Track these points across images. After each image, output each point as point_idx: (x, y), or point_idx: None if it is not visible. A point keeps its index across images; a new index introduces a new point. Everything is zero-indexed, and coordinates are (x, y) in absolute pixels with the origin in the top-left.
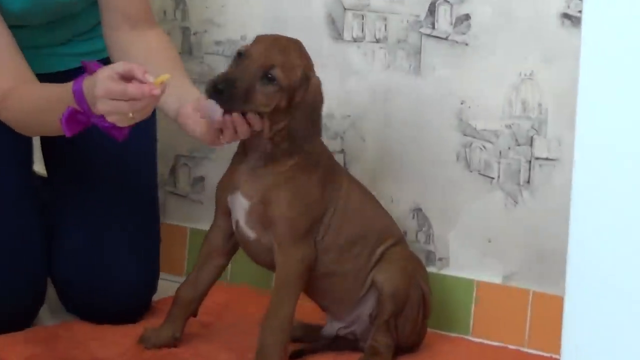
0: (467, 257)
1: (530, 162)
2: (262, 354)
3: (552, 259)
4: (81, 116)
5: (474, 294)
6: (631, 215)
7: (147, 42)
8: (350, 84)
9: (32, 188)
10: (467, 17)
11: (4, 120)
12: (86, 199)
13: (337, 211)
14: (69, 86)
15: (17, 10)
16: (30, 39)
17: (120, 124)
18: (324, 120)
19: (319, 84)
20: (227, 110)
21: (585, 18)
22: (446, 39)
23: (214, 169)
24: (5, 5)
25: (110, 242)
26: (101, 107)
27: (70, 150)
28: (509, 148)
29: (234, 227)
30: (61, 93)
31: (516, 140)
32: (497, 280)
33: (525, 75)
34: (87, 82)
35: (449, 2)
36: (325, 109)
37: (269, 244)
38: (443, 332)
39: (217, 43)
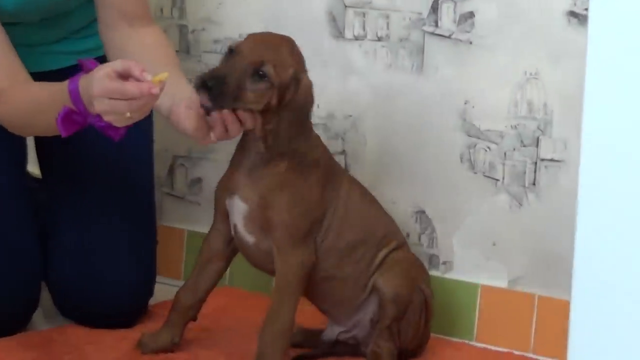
0: (471, 261)
1: (535, 163)
2: None
3: (558, 262)
4: (77, 116)
5: (478, 299)
6: (639, 218)
7: (143, 39)
8: (351, 83)
9: (25, 189)
10: (471, 14)
11: None
12: (81, 201)
13: (337, 213)
14: (64, 85)
15: (10, 7)
16: (24, 36)
17: (117, 124)
18: (324, 121)
19: (310, 85)
20: (216, 108)
21: (591, 16)
22: (449, 37)
23: (212, 169)
24: None
25: (105, 244)
26: (98, 106)
27: (64, 150)
28: (514, 149)
29: (232, 232)
30: (56, 92)
31: (521, 141)
32: (501, 284)
33: (530, 74)
34: (83, 80)
35: None
36: (326, 109)
37: (268, 248)
38: (446, 337)
39: (215, 41)
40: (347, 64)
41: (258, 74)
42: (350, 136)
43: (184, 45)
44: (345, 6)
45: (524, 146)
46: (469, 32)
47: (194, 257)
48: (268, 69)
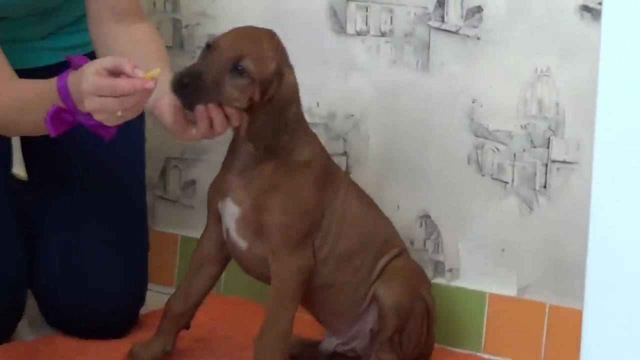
0: (478, 268)
1: (546, 165)
2: None
3: (570, 269)
4: (66, 114)
5: (486, 308)
6: None
7: (133, 35)
8: (353, 81)
9: (11, 192)
10: (479, 9)
11: None
12: (69, 204)
13: (335, 217)
14: (52, 82)
15: None
16: (9, 32)
17: (108, 123)
18: (325, 121)
19: (293, 82)
20: (192, 105)
21: (605, 10)
22: (456, 32)
23: (207, 171)
24: None
25: (94, 250)
26: (88, 104)
27: (52, 151)
28: (524, 150)
29: (224, 236)
30: (44, 90)
31: (532, 141)
32: (511, 292)
33: (541, 71)
34: (72, 77)
35: None
36: (326, 108)
37: (262, 253)
38: (453, 349)
39: (210, 36)
40: (349, 60)
41: (237, 69)
42: (352, 137)
43: (178, 41)
44: (347, 0)
45: (535, 147)
46: (476, 27)
47: (187, 263)
48: (247, 63)
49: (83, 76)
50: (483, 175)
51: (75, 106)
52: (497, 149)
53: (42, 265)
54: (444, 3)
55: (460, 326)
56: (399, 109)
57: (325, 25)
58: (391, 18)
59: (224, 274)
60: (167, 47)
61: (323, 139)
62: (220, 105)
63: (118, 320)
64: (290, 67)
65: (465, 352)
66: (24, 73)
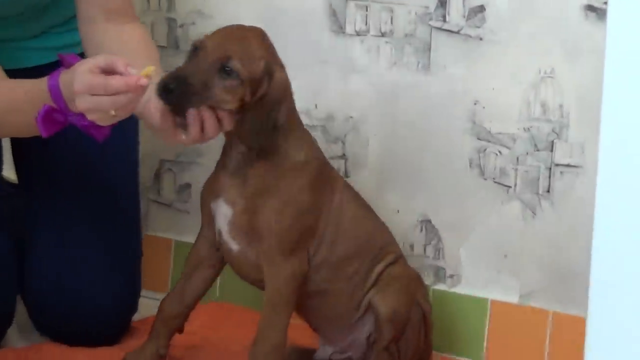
0: (480, 274)
1: (550, 169)
2: None
3: (574, 276)
4: (58, 115)
5: (488, 315)
6: None
7: (123, 35)
8: (352, 82)
9: (0, 196)
10: (481, 8)
11: None
12: (60, 208)
13: (331, 221)
14: (43, 82)
15: None
16: None
17: (101, 123)
18: (323, 123)
19: (284, 81)
20: (180, 110)
21: (611, 10)
22: (458, 32)
23: (202, 175)
24: None
25: (86, 255)
26: (80, 104)
27: (43, 152)
28: (527, 154)
29: (217, 237)
30: (34, 89)
31: (535, 145)
32: (513, 299)
33: (545, 73)
34: (64, 76)
35: None
36: (325, 110)
37: (255, 257)
38: (454, 357)
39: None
40: (348, 61)
41: (225, 70)
42: (351, 139)
43: (172, 40)
44: None
45: (538, 150)
46: (479, 27)
47: (181, 269)
48: (235, 63)
49: (75, 75)
50: (485, 179)
51: (67, 106)
52: (500, 152)
53: (31, 270)
54: (445, 2)
55: (461, 334)
56: (399, 111)
57: (323, 25)
58: (391, 18)
59: (218, 280)
60: (161, 46)
61: (321, 142)
62: (212, 108)
63: (109, 327)
64: (281, 65)
65: None
66: (13, 73)
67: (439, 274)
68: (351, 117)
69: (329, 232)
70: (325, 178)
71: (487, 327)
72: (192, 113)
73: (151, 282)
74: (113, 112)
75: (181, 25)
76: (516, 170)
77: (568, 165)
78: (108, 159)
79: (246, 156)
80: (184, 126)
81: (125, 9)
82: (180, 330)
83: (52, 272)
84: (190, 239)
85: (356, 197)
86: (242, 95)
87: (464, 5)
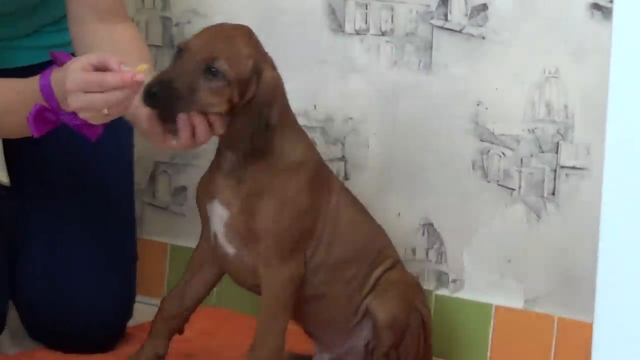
0: (484, 279)
1: (555, 171)
2: None
3: (580, 280)
4: (50, 114)
5: (492, 321)
6: None
7: (114, 35)
8: (352, 82)
9: None
10: (484, 7)
11: None
12: (53, 211)
13: (329, 223)
14: (34, 81)
15: None
16: None
17: (93, 122)
18: (322, 124)
19: (273, 79)
20: (167, 116)
21: (616, 9)
22: (460, 31)
23: (198, 177)
24: None
25: (79, 259)
26: (73, 102)
27: (34, 153)
28: (532, 155)
29: (212, 240)
30: (26, 89)
31: (539, 146)
32: (517, 304)
33: (549, 73)
34: (55, 75)
35: None
36: (324, 111)
37: (252, 262)
38: None
39: None
40: (348, 61)
41: (211, 71)
42: (350, 141)
43: (168, 40)
44: None
45: (543, 152)
46: (481, 26)
47: (177, 273)
48: (221, 64)
49: (67, 73)
50: (488, 182)
51: (58, 105)
52: (503, 154)
53: (24, 274)
54: (447, 1)
55: (464, 340)
56: (400, 111)
57: (322, 23)
58: (392, 16)
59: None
60: (156, 46)
61: (320, 143)
62: (203, 112)
63: (104, 333)
64: (270, 63)
65: None
66: (5, 73)
67: (442, 278)
68: (351, 118)
69: (326, 233)
70: (322, 178)
71: (490, 333)
72: (182, 118)
73: (146, 287)
74: (106, 111)
75: (176, 24)
76: (520, 172)
77: (573, 167)
78: (100, 158)
79: (241, 157)
80: (174, 132)
81: (117, 9)
82: (180, 331)
83: (44, 274)
84: (186, 242)
85: (353, 200)
86: (230, 97)
87: (466, 4)
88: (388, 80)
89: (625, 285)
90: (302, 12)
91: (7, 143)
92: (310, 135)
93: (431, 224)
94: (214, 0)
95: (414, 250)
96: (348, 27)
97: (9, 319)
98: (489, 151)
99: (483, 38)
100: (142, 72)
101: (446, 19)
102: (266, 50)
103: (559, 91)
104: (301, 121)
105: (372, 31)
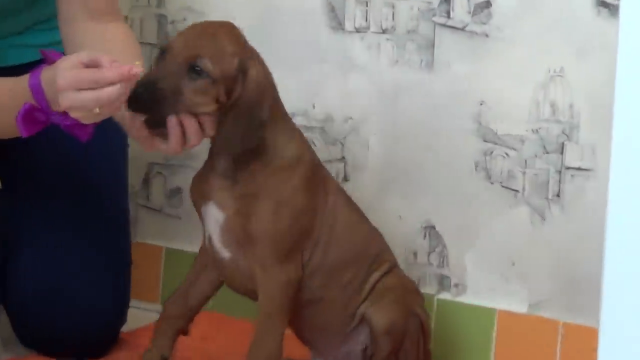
0: (487, 283)
1: (560, 172)
2: None
3: (586, 284)
4: (39, 114)
5: (495, 325)
6: None
7: (105, 34)
8: (352, 81)
9: None
10: (487, 4)
11: None
12: (44, 214)
13: (326, 224)
14: (24, 80)
15: None
16: None
17: (85, 121)
18: (321, 124)
19: (259, 75)
20: (153, 121)
21: (623, 6)
22: (463, 29)
23: None
24: None
25: (71, 263)
26: (64, 101)
27: (25, 153)
28: (536, 156)
29: (206, 244)
30: (16, 88)
31: (544, 147)
32: (521, 309)
33: (554, 71)
34: (45, 73)
35: None
36: (323, 111)
37: (248, 266)
38: None
39: None
40: (348, 59)
41: (195, 70)
42: (350, 141)
43: (163, 38)
44: None
45: (547, 153)
46: (485, 23)
47: (172, 277)
48: (205, 62)
49: (57, 71)
50: (492, 183)
51: (49, 105)
52: (507, 154)
53: (15, 279)
54: None
55: (467, 346)
56: (401, 111)
57: (321, 21)
58: (393, 13)
59: None
60: (151, 44)
61: (319, 144)
62: (193, 114)
63: (96, 340)
64: (256, 59)
65: None
66: None
67: (443, 282)
68: (351, 117)
69: (324, 236)
70: (318, 177)
71: (494, 338)
72: (171, 120)
73: (141, 292)
74: (97, 110)
75: (172, 22)
76: (524, 173)
77: (579, 169)
78: (93, 159)
79: (234, 156)
80: (164, 135)
81: (109, 8)
82: (185, 331)
83: (35, 282)
84: (182, 245)
85: (349, 201)
86: (216, 96)
87: (469, 1)
88: (389, 79)
89: (632, 289)
90: (301, 9)
91: None
92: (310, 135)
93: (433, 227)
94: None
95: (415, 254)
96: (348, 25)
97: (0, 324)
98: (492, 152)
99: (486, 36)
100: (139, 66)
101: (448, 17)
102: (264, 49)
103: (564, 90)
104: (300, 121)
105: (372, 29)
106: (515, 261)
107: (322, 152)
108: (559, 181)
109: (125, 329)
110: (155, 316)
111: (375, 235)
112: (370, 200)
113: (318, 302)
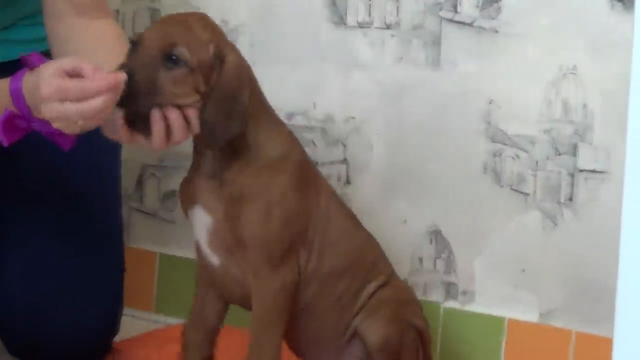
0: (496, 290)
1: (573, 175)
2: None
3: (600, 292)
4: (21, 121)
5: (505, 335)
6: None
7: (93, 31)
8: (354, 79)
9: None
10: None
11: None
12: (31, 218)
13: (319, 227)
14: (4, 85)
15: None
16: None
17: (67, 131)
18: (322, 124)
19: (237, 62)
20: (131, 116)
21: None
22: (471, 24)
23: None
24: None
25: (60, 270)
26: (46, 111)
27: (8, 159)
28: (548, 158)
29: (195, 250)
30: None
31: (556, 148)
32: (532, 318)
33: (567, 69)
34: (27, 79)
35: None
36: (324, 111)
37: (238, 272)
38: None
39: None
40: (350, 56)
41: (171, 59)
42: (353, 142)
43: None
44: None
45: (559, 154)
46: (494, 18)
47: (167, 285)
48: (181, 50)
49: (41, 79)
50: (501, 186)
51: (30, 112)
52: (517, 156)
53: (2, 288)
54: None
55: (475, 356)
56: (406, 111)
57: (322, 15)
58: (397, 8)
59: None
60: None
61: (320, 145)
62: (178, 107)
63: (88, 348)
64: (233, 48)
65: None
66: None
67: (451, 290)
68: (353, 117)
69: (318, 239)
70: (308, 176)
71: (503, 348)
72: (155, 114)
73: (134, 299)
74: (80, 122)
75: None
76: (535, 176)
77: (592, 171)
78: (84, 165)
79: (219, 155)
80: (145, 131)
81: (96, 4)
82: (210, 358)
83: (22, 290)
84: (177, 251)
85: (343, 206)
86: (196, 86)
87: None
88: (393, 77)
89: None
90: (301, 3)
91: None
92: (310, 136)
93: (439, 232)
94: None
95: (420, 260)
96: (350, 20)
97: None
98: (501, 153)
99: (495, 31)
100: (123, 72)
101: (456, 11)
102: (261, 45)
103: (577, 89)
104: (300, 121)
105: (376, 24)
106: (525, 268)
107: (323, 153)
108: (572, 184)
109: (117, 338)
110: (149, 325)
111: (371, 242)
112: (373, 203)
113: (311, 312)
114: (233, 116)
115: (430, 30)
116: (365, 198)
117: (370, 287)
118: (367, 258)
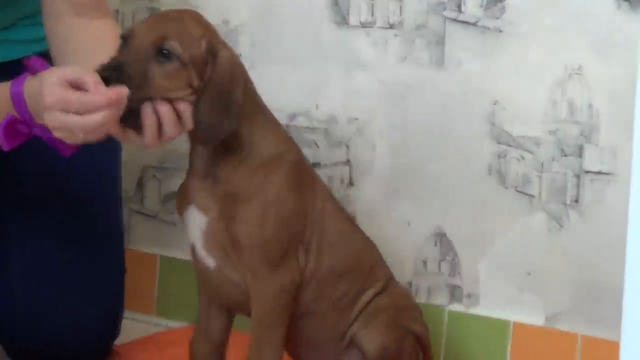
0: (501, 293)
1: (578, 176)
2: None
3: (606, 295)
4: (22, 126)
5: (510, 339)
6: None
7: (92, 31)
8: (357, 80)
9: None
10: None
11: None
12: (30, 221)
13: (316, 227)
14: (5, 89)
15: None
16: None
17: (68, 141)
18: (325, 125)
19: (230, 57)
20: (123, 113)
21: None
22: (475, 24)
23: None
24: None
25: (61, 272)
26: (49, 120)
27: (7, 161)
28: (553, 159)
29: (190, 252)
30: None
31: (562, 149)
32: (538, 321)
33: (572, 69)
34: (29, 84)
35: None
36: (326, 111)
37: (235, 274)
38: None
39: None
40: (352, 56)
41: (162, 53)
42: (356, 143)
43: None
44: None
45: (565, 155)
46: (498, 18)
47: (167, 287)
48: (173, 44)
49: (44, 86)
50: (506, 188)
51: (31, 117)
52: (522, 157)
53: (2, 292)
54: None
55: (480, 359)
56: (409, 111)
57: (324, 15)
58: (400, 7)
59: None
60: None
61: (322, 146)
62: (169, 102)
63: (89, 353)
64: (225, 44)
65: None
66: None
67: (455, 293)
68: (356, 118)
69: (315, 239)
70: (305, 177)
71: (508, 352)
72: (146, 109)
73: (134, 302)
74: (82, 135)
75: None
76: (540, 177)
77: (598, 172)
78: (84, 167)
79: (212, 153)
80: (137, 127)
81: (95, 4)
82: None
83: (22, 293)
84: (177, 253)
85: (340, 207)
86: (189, 81)
87: None
88: (396, 78)
89: None
90: (302, 3)
91: None
92: (312, 137)
93: (444, 234)
94: None
95: (425, 262)
96: (353, 20)
97: None
98: (506, 154)
99: (500, 31)
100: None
101: (460, 11)
102: (262, 45)
103: (582, 89)
104: (302, 122)
105: (378, 24)
106: (531, 270)
107: (326, 154)
108: (578, 186)
109: (118, 341)
110: (150, 328)
111: (369, 246)
112: (376, 205)
113: (309, 316)
114: (227, 113)
115: (434, 30)
116: (368, 200)
117: (368, 294)
118: (365, 262)
